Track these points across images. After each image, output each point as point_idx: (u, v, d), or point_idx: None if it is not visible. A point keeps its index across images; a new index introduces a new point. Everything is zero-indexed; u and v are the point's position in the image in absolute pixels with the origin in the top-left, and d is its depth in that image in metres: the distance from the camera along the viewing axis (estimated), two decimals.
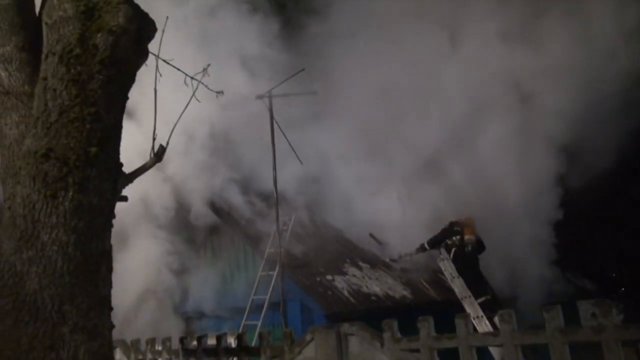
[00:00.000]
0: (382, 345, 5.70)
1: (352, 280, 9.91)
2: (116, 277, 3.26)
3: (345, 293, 9.45)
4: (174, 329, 9.85)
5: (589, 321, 4.51)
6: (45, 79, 3.15)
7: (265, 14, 11.69)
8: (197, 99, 4.19)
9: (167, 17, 3.83)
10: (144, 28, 3.35)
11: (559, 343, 4.66)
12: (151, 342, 7.73)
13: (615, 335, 4.35)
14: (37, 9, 3.51)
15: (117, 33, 3.17)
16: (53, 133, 3.04)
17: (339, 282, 9.70)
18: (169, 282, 10.45)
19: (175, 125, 3.86)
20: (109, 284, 3.17)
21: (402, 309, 9.41)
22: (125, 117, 3.36)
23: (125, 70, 3.28)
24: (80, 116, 3.06)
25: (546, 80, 11.22)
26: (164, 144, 3.70)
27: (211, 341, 7.17)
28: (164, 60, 3.98)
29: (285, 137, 9.63)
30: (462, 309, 8.62)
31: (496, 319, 6.42)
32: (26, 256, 2.91)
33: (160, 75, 3.93)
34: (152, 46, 3.59)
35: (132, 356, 7.87)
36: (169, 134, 3.83)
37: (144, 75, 3.57)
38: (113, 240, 3.25)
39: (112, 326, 3.17)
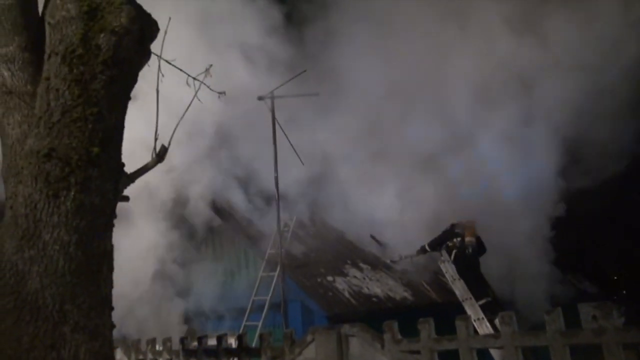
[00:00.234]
0: (382, 346, 5.69)
1: (352, 282, 9.91)
2: (117, 277, 3.26)
3: (346, 294, 9.45)
4: (175, 329, 9.84)
5: (590, 324, 4.50)
6: (47, 78, 3.15)
7: (267, 3, 11.70)
8: (199, 100, 4.20)
9: (170, 18, 3.83)
10: (146, 28, 3.36)
11: (559, 345, 4.65)
12: (152, 342, 7.74)
13: (616, 337, 4.34)
14: (40, 9, 3.52)
15: (119, 33, 3.18)
16: (55, 133, 3.05)
17: (340, 283, 9.70)
18: (169, 282, 10.45)
19: (177, 125, 3.86)
20: (110, 284, 3.18)
21: (403, 310, 9.42)
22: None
23: (128, 70, 3.28)
24: (82, 116, 3.07)
25: (550, 74, 11.14)
26: (166, 144, 3.71)
27: (212, 342, 7.18)
28: (166, 61, 3.98)
29: (287, 138, 9.63)
30: (462, 311, 8.61)
31: (497, 321, 6.41)
32: (28, 255, 2.92)
33: (163, 75, 3.94)
34: (155, 46, 3.60)
35: (133, 356, 7.87)
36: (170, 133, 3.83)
37: (147, 73, 3.58)
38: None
39: (113, 326, 3.18)
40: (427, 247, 10.14)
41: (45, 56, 3.25)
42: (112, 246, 3.21)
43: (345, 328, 6.02)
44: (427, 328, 5.46)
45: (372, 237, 11.27)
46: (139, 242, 10.04)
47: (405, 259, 10.65)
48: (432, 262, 10.52)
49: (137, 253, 9.87)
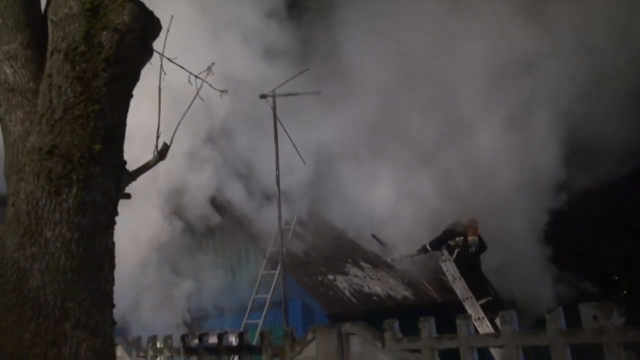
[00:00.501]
0: (383, 345, 5.70)
1: (353, 280, 9.92)
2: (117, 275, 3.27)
3: (347, 293, 9.45)
4: (176, 326, 9.86)
5: (591, 323, 4.50)
6: (50, 76, 3.16)
7: None
8: (201, 98, 4.20)
9: (172, 16, 3.83)
10: (148, 26, 3.36)
11: (560, 345, 4.65)
12: (152, 339, 7.75)
13: (616, 337, 4.34)
14: (43, 7, 3.52)
15: (122, 31, 3.18)
16: (57, 130, 3.05)
17: (341, 282, 9.71)
18: (170, 280, 10.47)
19: (179, 123, 3.86)
20: (111, 281, 3.18)
21: (404, 309, 9.42)
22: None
23: (130, 68, 3.29)
24: (84, 113, 3.07)
25: (554, 59, 11.02)
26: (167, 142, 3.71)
27: (212, 339, 7.18)
28: (169, 59, 3.98)
29: (289, 137, 9.63)
30: (463, 310, 8.62)
31: (497, 321, 6.41)
32: (29, 252, 2.92)
33: (165, 73, 3.94)
34: (157, 44, 3.60)
35: (134, 353, 7.89)
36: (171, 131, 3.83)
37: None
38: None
39: (114, 323, 3.18)
40: (428, 247, 10.14)
41: (48, 53, 3.26)
42: (113, 243, 3.22)
43: (346, 326, 6.02)
44: (427, 327, 5.46)
45: (373, 235, 11.27)
46: (139, 239, 10.06)
47: (406, 258, 10.65)
48: (433, 261, 10.52)
49: (137, 249, 9.89)
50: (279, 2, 11.98)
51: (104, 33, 3.17)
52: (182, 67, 4.20)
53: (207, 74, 4.37)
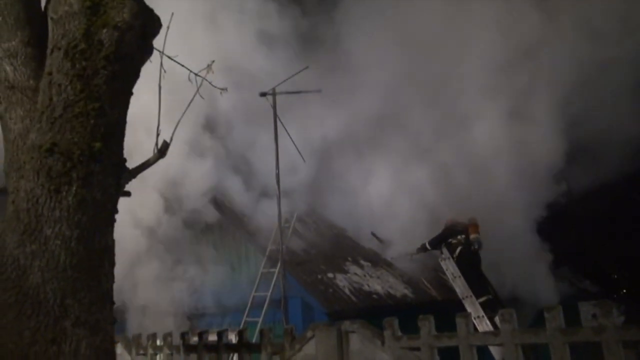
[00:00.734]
0: (382, 343, 5.70)
1: (353, 279, 9.92)
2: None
3: (347, 291, 9.46)
4: (176, 324, 9.86)
5: (590, 322, 4.51)
6: (50, 73, 3.16)
7: None
8: (201, 96, 4.20)
9: (172, 14, 3.83)
10: (149, 24, 3.36)
11: (559, 343, 4.66)
12: (152, 337, 7.75)
13: (615, 335, 4.35)
14: (43, 4, 3.52)
15: (122, 29, 3.18)
16: (57, 128, 3.05)
17: (340, 280, 9.71)
18: (169, 278, 10.47)
19: (179, 121, 3.87)
20: (111, 279, 3.19)
21: (403, 307, 9.43)
22: None
23: (130, 66, 3.29)
24: (84, 111, 3.07)
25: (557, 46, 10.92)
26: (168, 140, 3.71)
27: (212, 337, 7.18)
28: (169, 57, 3.98)
29: (289, 135, 9.63)
30: (463, 309, 8.63)
31: (497, 319, 6.42)
32: (29, 250, 2.93)
33: (165, 71, 3.94)
34: (157, 42, 3.60)
35: (133, 351, 7.90)
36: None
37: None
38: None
39: (114, 321, 3.19)
40: (427, 246, 10.14)
41: (48, 51, 3.26)
42: (113, 241, 3.22)
43: (346, 324, 6.03)
44: (427, 325, 5.47)
45: (373, 234, 11.28)
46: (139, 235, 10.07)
47: (405, 256, 10.65)
48: (432, 259, 10.52)
49: (137, 246, 9.89)
50: None
51: (104, 31, 3.17)
52: (183, 65, 4.20)
53: (207, 72, 4.37)
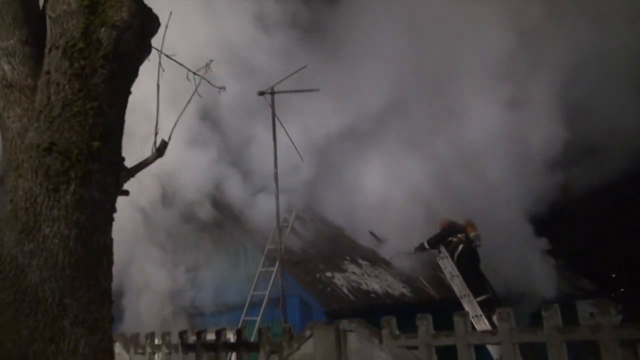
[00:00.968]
0: (380, 342, 5.71)
1: (351, 278, 9.93)
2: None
3: (345, 290, 9.46)
4: (175, 323, 9.87)
5: (587, 321, 4.52)
6: (48, 72, 3.16)
7: None
8: (199, 95, 4.20)
9: (171, 13, 3.83)
10: (147, 23, 3.36)
11: (556, 342, 4.67)
12: (150, 336, 7.75)
13: (613, 334, 4.36)
14: (41, 3, 3.52)
15: (120, 28, 3.18)
16: (56, 127, 3.05)
17: (339, 279, 9.72)
18: (169, 277, 10.46)
19: (177, 120, 3.87)
20: (109, 278, 3.19)
21: (401, 306, 9.44)
22: None
23: (128, 65, 3.29)
24: (82, 110, 3.07)
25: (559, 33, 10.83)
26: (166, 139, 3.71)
27: (210, 336, 7.19)
28: (167, 56, 3.98)
29: (287, 134, 9.62)
30: (461, 308, 8.63)
31: (495, 318, 6.44)
32: (28, 249, 2.93)
33: (163, 70, 3.94)
34: (156, 41, 3.60)
35: (132, 350, 7.90)
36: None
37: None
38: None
39: (113, 320, 3.19)
40: (426, 245, 10.14)
41: (46, 50, 3.26)
42: (111, 240, 3.22)
43: (344, 323, 6.03)
44: (425, 324, 5.48)
45: (371, 233, 11.29)
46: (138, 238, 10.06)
47: (403, 255, 10.64)
48: (430, 258, 10.53)
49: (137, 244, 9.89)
50: None
51: (103, 30, 3.17)
52: (181, 64, 4.20)
53: (206, 71, 4.37)
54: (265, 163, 10.12)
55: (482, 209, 10.09)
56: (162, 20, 3.57)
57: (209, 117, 10.73)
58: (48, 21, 3.30)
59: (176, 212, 10.58)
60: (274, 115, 9.81)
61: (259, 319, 9.03)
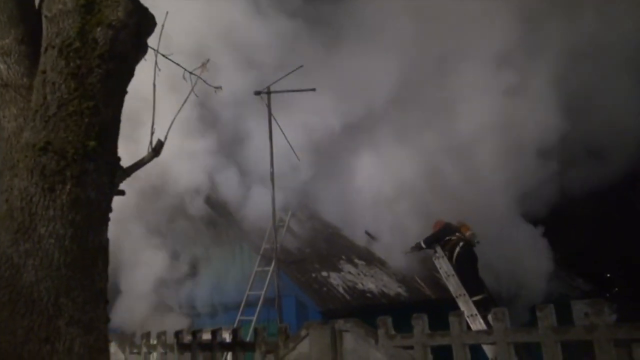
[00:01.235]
0: (376, 341, 5.73)
1: (347, 277, 9.94)
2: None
3: (341, 290, 9.47)
4: (170, 322, 9.85)
5: (582, 320, 4.55)
6: (44, 72, 3.15)
7: None
8: (195, 94, 4.20)
9: (167, 12, 3.83)
10: (143, 23, 3.35)
11: (551, 341, 4.69)
12: (146, 336, 7.75)
13: (607, 334, 4.38)
14: (37, 2, 3.51)
15: (116, 27, 3.17)
16: (51, 126, 3.05)
17: (334, 278, 9.72)
18: (164, 277, 10.44)
19: (173, 120, 3.86)
20: (105, 278, 3.18)
21: (397, 306, 9.45)
22: None
23: (125, 64, 3.28)
24: (78, 110, 3.07)
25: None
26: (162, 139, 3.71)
27: (206, 336, 7.19)
28: (163, 55, 3.98)
29: (284, 134, 9.62)
30: (456, 307, 8.65)
31: (490, 317, 6.45)
32: (23, 249, 2.92)
33: (159, 69, 3.94)
34: (152, 41, 3.60)
35: (127, 350, 7.89)
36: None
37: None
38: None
39: (108, 320, 3.19)
40: (422, 244, 10.14)
41: (42, 49, 3.25)
42: (107, 240, 3.22)
43: (340, 323, 6.05)
44: (420, 324, 5.50)
45: (367, 232, 11.30)
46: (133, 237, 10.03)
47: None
48: (426, 258, 10.54)
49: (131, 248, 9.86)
50: None
51: (99, 29, 3.16)
52: (177, 64, 4.20)
53: (202, 71, 4.36)
54: (262, 162, 10.11)
55: (479, 209, 10.10)
56: (159, 19, 3.56)
57: (206, 114, 10.70)
58: (44, 20, 3.29)
59: (170, 210, 10.56)
60: (270, 114, 9.81)
61: (254, 318, 9.02)
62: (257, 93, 9.91)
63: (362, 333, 5.87)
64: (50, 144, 3.01)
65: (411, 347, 5.53)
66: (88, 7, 3.19)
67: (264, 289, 9.23)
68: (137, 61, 3.41)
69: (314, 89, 9.96)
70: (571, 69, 10.92)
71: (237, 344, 6.88)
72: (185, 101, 4.07)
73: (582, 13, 10.91)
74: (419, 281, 10.69)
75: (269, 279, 9.26)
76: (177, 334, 7.40)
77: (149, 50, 3.57)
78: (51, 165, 3.00)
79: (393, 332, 5.71)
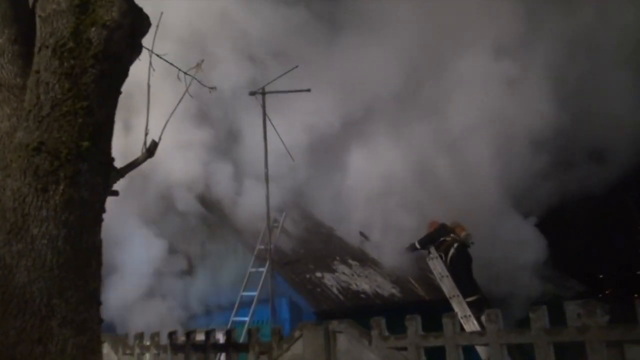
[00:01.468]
0: (370, 342, 5.73)
1: (341, 278, 9.94)
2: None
3: (335, 290, 9.48)
4: (163, 323, 9.82)
5: (575, 321, 4.57)
6: (37, 72, 3.14)
7: None
8: (190, 95, 4.19)
9: (162, 12, 3.82)
10: (137, 23, 3.34)
11: (543, 343, 4.71)
12: (139, 336, 7.73)
13: (599, 335, 4.40)
14: (31, 2, 3.49)
15: (111, 27, 3.16)
16: (45, 126, 3.04)
17: (328, 279, 9.73)
18: (158, 277, 10.42)
19: (167, 120, 3.86)
20: (98, 279, 3.17)
21: (391, 307, 9.46)
22: None
23: (119, 64, 3.27)
24: (72, 110, 3.06)
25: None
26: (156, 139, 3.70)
27: (200, 337, 7.18)
28: (158, 55, 3.97)
29: (278, 135, 9.61)
30: (450, 308, 8.67)
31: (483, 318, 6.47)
32: (15, 249, 2.91)
33: (154, 69, 3.93)
34: (146, 41, 3.59)
35: (120, 350, 7.87)
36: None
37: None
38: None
39: (101, 320, 3.18)
40: (417, 244, 10.15)
41: (36, 49, 3.23)
42: (100, 241, 3.21)
43: (333, 324, 6.05)
44: (414, 325, 5.51)
45: (361, 233, 11.31)
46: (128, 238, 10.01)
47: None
48: (420, 258, 10.55)
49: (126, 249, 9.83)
50: None
51: (93, 29, 3.15)
52: (172, 64, 4.19)
53: (197, 71, 4.35)
54: (256, 163, 10.10)
55: (473, 208, 10.13)
56: (153, 20, 3.56)
57: (201, 114, 10.69)
58: (38, 20, 3.28)
59: (165, 209, 10.54)
60: (264, 115, 9.80)
61: (248, 319, 9.02)
62: (252, 93, 9.90)
63: (356, 334, 5.88)
64: (44, 144, 3.00)
65: (405, 348, 5.54)
66: (82, 7, 3.18)
67: (258, 290, 9.22)
68: (131, 61, 3.40)
69: (309, 90, 9.96)
70: (569, 61, 10.91)
71: (230, 345, 6.87)
72: (180, 101, 4.06)
73: (580, 5, 10.91)
74: (413, 282, 10.71)
75: (263, 280, 9.26)
76: (171, 334, 7.39)
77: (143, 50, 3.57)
78: (44, 166, 2.99)
79: (387, 333, 5.72)
